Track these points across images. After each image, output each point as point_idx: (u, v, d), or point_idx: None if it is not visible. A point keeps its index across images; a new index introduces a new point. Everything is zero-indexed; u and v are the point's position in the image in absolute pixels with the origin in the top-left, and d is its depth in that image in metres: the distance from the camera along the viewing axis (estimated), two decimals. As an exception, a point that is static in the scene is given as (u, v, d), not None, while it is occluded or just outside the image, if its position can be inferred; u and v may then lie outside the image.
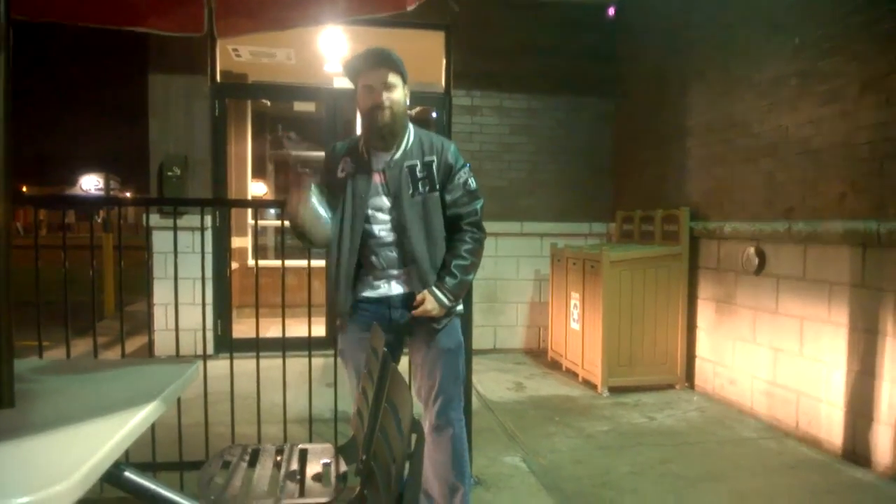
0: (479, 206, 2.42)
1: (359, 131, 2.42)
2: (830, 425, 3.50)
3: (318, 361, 3.28)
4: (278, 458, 2.00)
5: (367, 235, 2.30)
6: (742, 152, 4.30)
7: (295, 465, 1.95)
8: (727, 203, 4.47)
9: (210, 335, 5.45)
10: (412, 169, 2.30)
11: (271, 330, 3.62)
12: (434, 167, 2.32)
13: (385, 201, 2.30)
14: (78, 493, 1.05)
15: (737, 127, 4.36)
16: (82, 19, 2.40)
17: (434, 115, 6.18)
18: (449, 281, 2.29)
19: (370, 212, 2.30)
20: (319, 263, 3.46)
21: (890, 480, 3.11)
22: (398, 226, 2.27)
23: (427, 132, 2.42)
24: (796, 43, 3.79)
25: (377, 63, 2.27)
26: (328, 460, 1.97)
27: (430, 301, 2.26)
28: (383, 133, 2.26)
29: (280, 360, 2.96)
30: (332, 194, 2.35)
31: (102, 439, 1.23)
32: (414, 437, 1.11)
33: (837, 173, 3.49)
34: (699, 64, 4.82)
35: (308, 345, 2.96)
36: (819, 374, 3.58)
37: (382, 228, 2.30)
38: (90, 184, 28.84)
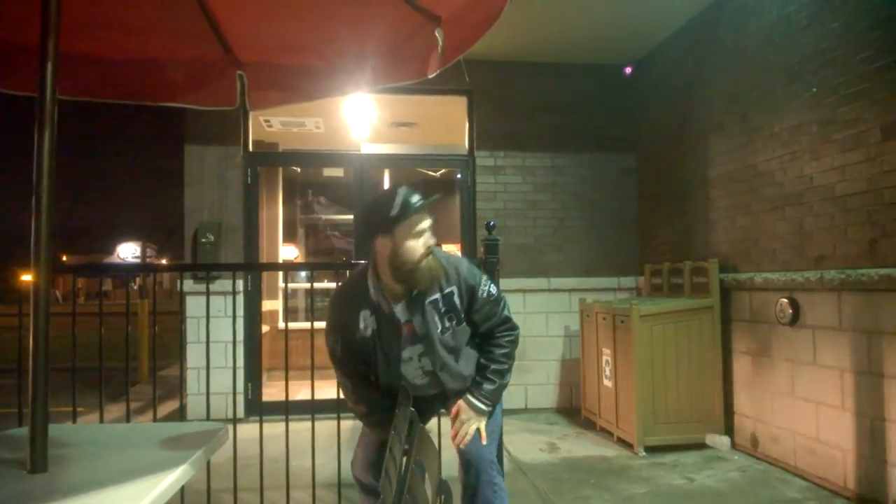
0: (504, 306, 2.37)
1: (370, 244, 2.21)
2: (880, 482, 3.32)
3: (347, 424, 3.27)
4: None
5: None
6: (767, 202, 4.27)
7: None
8: (755, 253, 4.41)
9: (241, 398, 5.48)
10: (434, 305, 2.21)
11: (301, 392, 3.63)
12: (455, 298, 2.23)
13: (417, 349, 2.24)
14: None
15: (760, 176, 4.35)
16: (121, 97, 2.55)
17: (459, 176, 6.30)
18: (487, 387, 2.26)
19: (402, 365, 2.25)
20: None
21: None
22: (431, 369, 2.26)
23: (435, 258, 2.22)
24: (814, 91, 3.82)
25: (422, 207, 2.18)
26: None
27: (466, 411, 2.23)
28: (427, 277, 2.16)
29: (311, 423, 2.96)
30: (357, 348, 2.25)
31: None
32: (442, 498, 1.09)
33: (867, 219, 3.44)
34: (718, 116, 4.87)
35: (336, 407, 2.96)
36: (863, 428, 3.43)
37: (416, 375, 2.28)
38: (127, 251, 29.76)
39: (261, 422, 2.98)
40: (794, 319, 3.95)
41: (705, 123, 5.04)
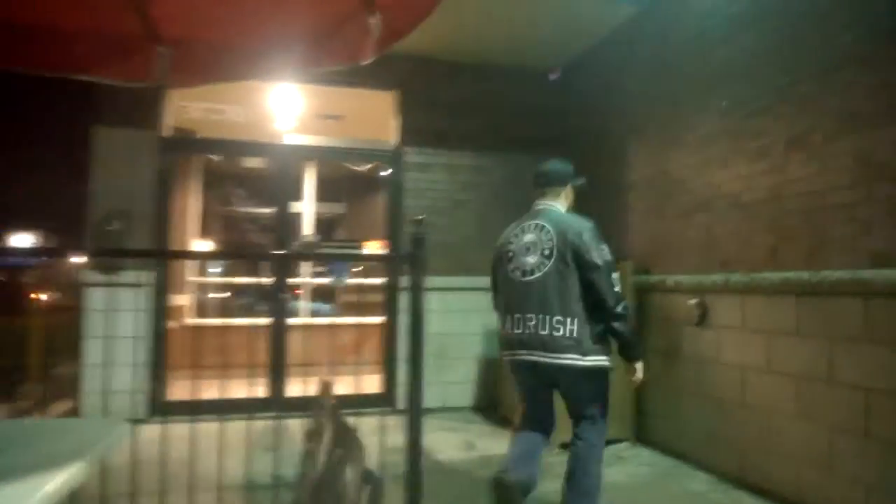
0: None
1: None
2: (778, 474, 3.54)
3: (258, 425, 3.14)
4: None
5: None
6: (679, 207, 4.48)
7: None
8: (669, 256, 4.61)
9: (142, 398, 5.18)
10: None
11: (207, 393, 3.45)
12: None
13: None
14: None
15: (674, 183, 4.55)
16: (34, 66, 2.34)
17: (386, 172, 6.24)
18: None
19: None
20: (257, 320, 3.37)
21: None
22: None
23: None
24: (724, 105, 4.03)
25: None
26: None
27: None
28: None
29: (218, 426, 2.82)
30: None
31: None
32: (369, 489, 1.02)
33: (769, 226, 3.65)
34: (638, 121, 5.06)
35: (248, 408, 2.85)
36: (762, 422, 3.65)
37: None
38: (21, 243, 27.56)
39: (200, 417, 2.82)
40: (702, 320, 4.14)
41: (625, 129, 5.22)
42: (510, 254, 3.07)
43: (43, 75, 2.56)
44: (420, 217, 3.14)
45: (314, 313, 7.73)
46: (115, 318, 5.28)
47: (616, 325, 2.83)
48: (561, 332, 2.80)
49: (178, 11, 2.53)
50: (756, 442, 3.70)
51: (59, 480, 1.29)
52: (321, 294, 8.33)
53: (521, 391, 3.19)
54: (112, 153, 5.37)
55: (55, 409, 5.40)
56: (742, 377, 3.81)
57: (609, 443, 4.65)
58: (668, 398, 4.54)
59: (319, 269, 8.19)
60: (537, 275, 2.90)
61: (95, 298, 5.15)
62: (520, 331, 2.93)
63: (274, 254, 5.79)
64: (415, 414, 2.93)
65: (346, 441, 1.29)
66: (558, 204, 3.14)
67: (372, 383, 5.78)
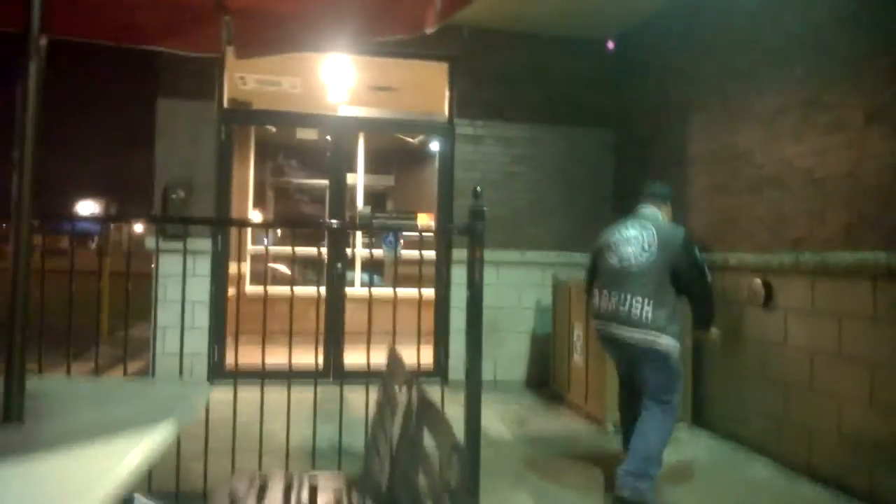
0: None
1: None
2: (848, 466, 3.43)
3: (316, 391, 3.20)
4: (288, 489, 1.93)
5: None
6: (746, 182, 4.32)
7: (305, 496, 1.88)
8: (733, 234, 4.46)
9: (204, 361, 5.36)
10: None
11: (266, 359, 3.53)
12: None
13: None
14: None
15: (740, 157, 4.38)
16: (107, 38, 2.39)
17: (437, 145, 6.21)
18: None
19: None
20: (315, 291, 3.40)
21: None
22: None
23: None
24: (798, 73, 3.84)
25: None
26: (338, 488, 1.91)
27: None
28: None
29: (275, 393, 2.89)
30: None
31: (117, 462, 1.17)
32: (455, 458, 1.00)
33: (844, 204, 3.49)
34: (700, 94, 4.87)
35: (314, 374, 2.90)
36: (831, 409, 3.53)
37: None
38: (87, 211, 28.76)
39: (235, 383, 2.90)
40: (768, 301, 4.01)
41: (686, 101, 5.04)
42: (612, 244, 3.47)
43: (111, 47, 2.62)
44: (478, 189, 3.13)
45: (364, 284, 7.83)
46: (179, 284, 5.50)
47: (698, 302, 3.41)
48: (639, 312, 3.24)
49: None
50: (825, 430, 3.57)
51: (156, 436, 1.34)
52: (368, 266, 8.42)
53: (616, 369, 3.79)
54: (174, 124, 5.51)
55: (128, 368, 5.65)
56: (811, 362, 3.68)
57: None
58: (728, 381, 4.44)
59: (368, 241, 8.27)
60: (633, 263, 3.33)
61: (164, 264, 5.32)
62: (606, 305, 3.41)
63: (335, 224, 5.85)
64: (473, 387, 2.96)
65: (428, 413, 1.30)
66: (660, 212, 3.58)
67: (423, 356, 5.83)
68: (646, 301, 3.23)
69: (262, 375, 2.84)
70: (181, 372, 2.97)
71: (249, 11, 2.61)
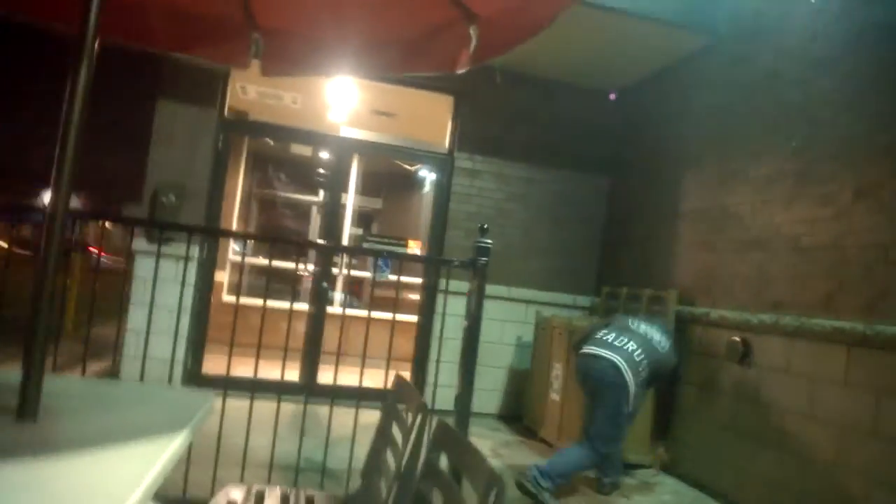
0: None
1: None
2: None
3: (288, 407, 3.18)
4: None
5: None
6: (733, 242, 4.46)
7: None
8: (716, 290, 4.60)
9: (179, 368, 5.28)
10: None
11: (239, 370, 3.51)
12: None
13: None
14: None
15: (729, 218, 4.54)
16: (144, 42, 2.43)
17: (434, 175, 6.29)
18: None
19: None
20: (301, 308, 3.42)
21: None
22: None
23: None
24: (793, 145, 4.02)
25: None
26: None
27: None
28: None
29: (248, 403, 2.90)
30: None
31: (137, 469, 1.18)
32: (494, 494, 1.02)
33: (826, 273, 3.63)
34: (695, 152, 5.05)
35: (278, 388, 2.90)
36: (798, 466, 3.63)
37: None
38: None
39: (225, 394, 2.89)
40: (745, 358, 4.13)
41: (682, 159, 5.22)
42: (601, 327, 4.20)
43: (124, 47, 2.66)
44: (485, 226, 3.21)
45: (342, 305, 7.81)
46: (158, 288, 5.44)
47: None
48: (627, 348, 3.90)
49: (278, 3, 2.61)
50: (791, 485, 3.67)
51: (175, 443, 1.35)
52: (348, 288, 8.40)
53: (585, 397, 4.21)
54: (172, 127, 5.50)
55: (91, 367, 5.51)
56: (782, 420, 3.79)
57: (635, 467, 4.69)
58: (700, 431, 4.53)
59: (350, 262, 8.27)
60: (620, 338, 3.98)
61: (142, 266, 5.27)
62: (603, 338, 4.02)
63: (332, 245, 5.87)
64: (462, 416, 2.99)
65: (452, 443, 1.33)
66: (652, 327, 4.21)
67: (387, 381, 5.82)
68: (637, 352, 3.88)
69: (253, 388, 2.83)
70: (141, 377, 2.92)
71: (280, 31, 2.68)
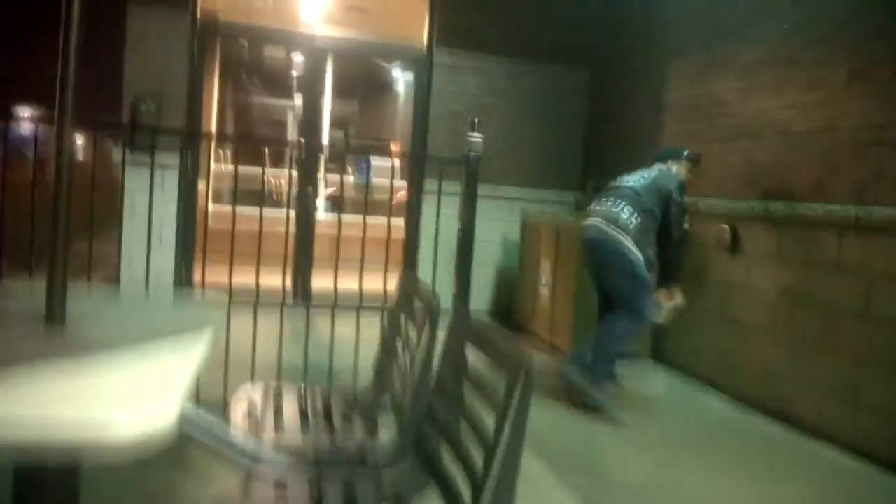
0: None
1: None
2: (800, 402, 3.66)
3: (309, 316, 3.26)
4: (303, 399, 2.01)
5: None
6: (721, 131, 4.45)
7: (320, 405, 1.97)
8: (704, 180, 4.62)
9: (170, 278, 5.29)
10: None
11: (232, 278, 3.53)
12: None
13: None
14: (175, 413, 1.03)
15: (717, 106, 4.50)
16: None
17: (413, 73, 6.10)
18: None
19: None
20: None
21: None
22: None
23: None
24: (783, 28, 3.92)
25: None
26: (350, 400, 2.00)
27: None
28: None
29: (245, 314, 2.93)
30: None
31: (172, 371, 1.21)
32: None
33: (818, 158, 3.65)
34: (680, 40, 4.94)
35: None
36: (788, 350, 3.81)
37: None
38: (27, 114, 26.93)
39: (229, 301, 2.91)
40: (734, 246, 4.21)
41: (665, 48, 5.10)
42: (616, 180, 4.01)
43: None
44: (475, 119, 3.15)
45: (326, 210, 7.78)
46: (144, 200, 5.37)
47: (672, 249, 3.77)
48: (626, 218, 3.69)
49: None
50: (779, 370, 3.81)
51: (201, 346, 1.37)
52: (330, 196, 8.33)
53: (592, 279, 4.09)
54: (146, 33, 5.24)
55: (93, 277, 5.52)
56: (772, 306, 3.91)
57: (626, 356, 4.88)
58: (690, 320, 4.68)
59: (335, 166, 8.15)
60: (632, 185, 3.82)
61: (129, 178, 5.15)
62: (600, 207, 3.87)
63: (320, 145, 5.75)
64: (460, 316, 3.06)
65: (470, 330, 1.37)
66: (665, 167, 4.01)
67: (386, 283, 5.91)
68: (634, 215, 3.69)
69: (256, 301, 2.87)
70: (146, 284, 2.94)
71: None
